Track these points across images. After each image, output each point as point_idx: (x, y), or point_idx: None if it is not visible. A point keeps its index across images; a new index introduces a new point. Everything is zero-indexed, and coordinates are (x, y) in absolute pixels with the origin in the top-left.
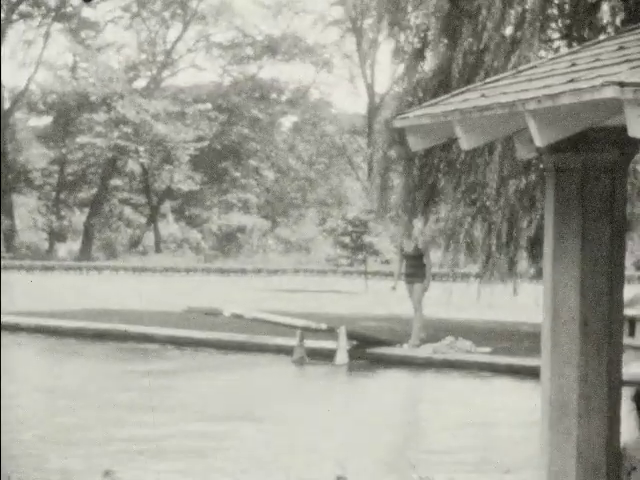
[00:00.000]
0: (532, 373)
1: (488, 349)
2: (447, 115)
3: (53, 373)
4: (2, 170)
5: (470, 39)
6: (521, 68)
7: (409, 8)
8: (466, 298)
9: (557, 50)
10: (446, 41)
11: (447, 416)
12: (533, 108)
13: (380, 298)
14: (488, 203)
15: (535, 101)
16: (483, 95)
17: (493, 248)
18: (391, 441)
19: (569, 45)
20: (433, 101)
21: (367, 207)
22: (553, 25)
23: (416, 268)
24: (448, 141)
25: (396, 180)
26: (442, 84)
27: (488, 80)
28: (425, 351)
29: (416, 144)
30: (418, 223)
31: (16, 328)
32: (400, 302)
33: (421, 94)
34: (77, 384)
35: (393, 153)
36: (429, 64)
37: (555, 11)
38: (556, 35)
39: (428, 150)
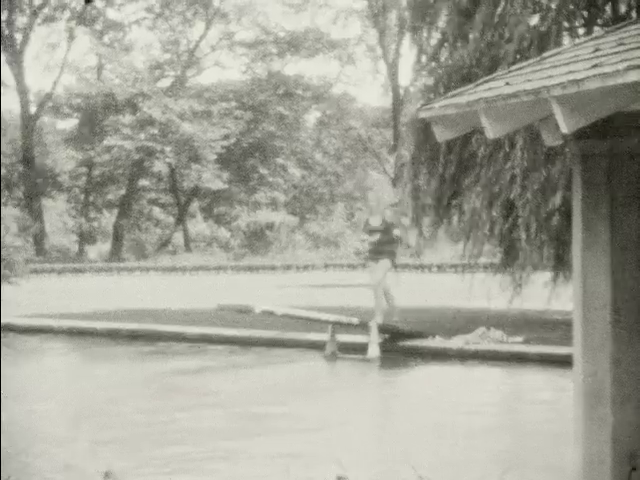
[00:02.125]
0: (565, 361)
1: (520, 338)
2: (472, 105)
3: (89, 374)
4: (31, 174)
5: (492, 31)
6: (545, 55)
7: (430, 6)
8: (493, 288)
9: (580, 37)
10: (466, 34)
11: (483, 411)
12: (558, 94)
13: (410, 290)
14: (512, 194)
15: (560, 87)
16: (507, 83)
17: (518, 238)
18: (427, 438)
19: (592, 32)
20: (457, 91)
21: (395, 200)
22: (576, 13)
23: (383, 245)
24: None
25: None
26: (465, 77)
27: (512, 68)
28: (457, 342)
29: (442, 135)
30: (384, 196)
31: (49, 330)
32: (431, 294)
33: (442, 90)
34: (113, 385)
35: (421, 156)
36: (451, 57)
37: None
38: (579, 23)
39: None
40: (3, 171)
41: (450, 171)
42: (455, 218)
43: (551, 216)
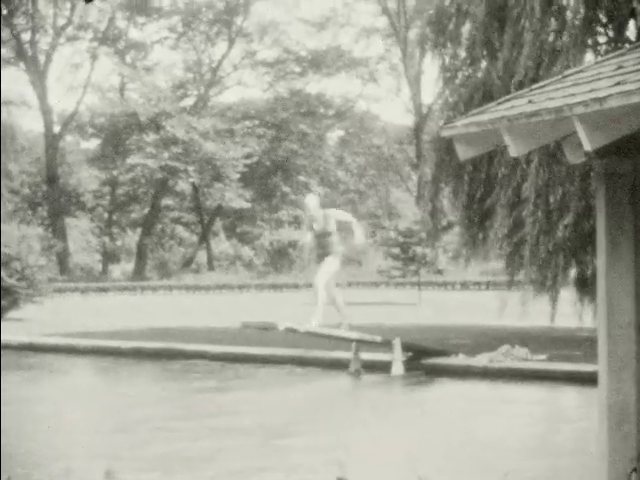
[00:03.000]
0: (590, 379)
1: (544, 356)
2: (494, 122)
3: (113, 393)
4: (54, 193)
5: (512, 49)
6: (567, 73)
7: (451, 23)
8: (518, 306)
9: (603, 54)
10: (488, 53)
11: (510, 430)
12: (581, 112)
13: (434, 308)
14: (539, 213)
15: (582, 105)
16: (530, 101)
17: (542, 256)
18: (456, 458)
19: (615, 49)
20: (480, 109)
21: (418, 218)
22: (598, 29)
23: (326, 248)
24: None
25: (446, 201)
26: (486, 95)
27: (534, 86)
28: (481, 360)
29: (464, 153)
30: (312, 200)
31: (72, 350)
32: (454, 312)
33: (463, 108)
34: (137, 404)
35: (443, 174)
36: (472, 75)
37: (600, 15)
38: (602, 39)
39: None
40: (27, 191)
41: (476, 190)
42: (481, 237)
43: (577, 233)
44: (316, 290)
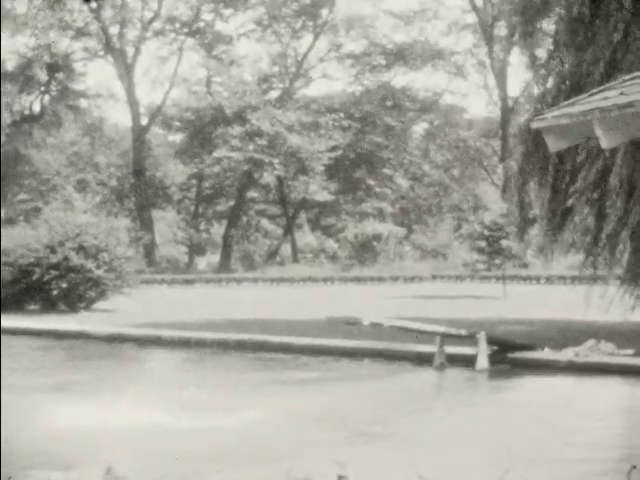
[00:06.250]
0: None
1: (631, 351)
2: (586, 114)
3: (202, 383)
4: (142, 186)
5: (600, 41)
6: None
7: (538, 16)
8: (603, 301)
9: None
10: (575, 45)
11: (601, 425)
12: None
13: (519, 302)
14: (622, 205)
15: None
16: (622, 93)
17: (627, 250)
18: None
19: None
20: (570, 101)
21: (503, 211)
22: None
23: None
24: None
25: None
26: (574, 88)
27: (626, 78)
28: (567, 354)
29: (554, 145)
30: None
31: (159, 341)
32: (539, 306)
33: (551, 100)
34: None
35: (529, 166)
36: (561, 67)
37: None
38: None
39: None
40: (114, 183)
41: (561, 182)
42: (568, 230)
43: None
44: None
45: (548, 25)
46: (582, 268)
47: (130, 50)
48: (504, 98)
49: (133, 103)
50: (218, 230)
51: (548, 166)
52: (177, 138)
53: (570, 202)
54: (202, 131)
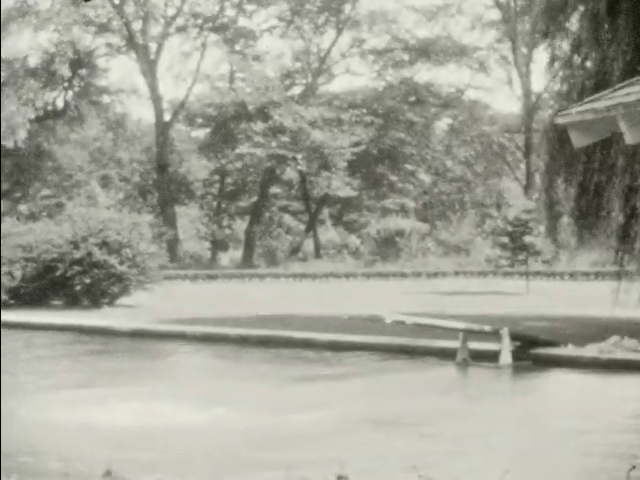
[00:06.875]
0: None
1: None
2: (611, 109)
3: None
4: (165, 181)
5: (624, 37)
6: None
7: (562, 13)
8: (628, 297)
9: None
10: (599, 41)
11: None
12: None
13: (542, 298)
14: None
15: None
16: None
17: None
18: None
19: None
20: (594, 96)
21: (527, 207)
22: None
23: None
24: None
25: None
26: (599, 84)
27: None
28: (590, 351)
29: (579, 141)
30: None
31: (182, 336)
32: (562, 302)
33: (575, 96)
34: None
35: (556, 164)
36: (585, 63)
37: None
38: None
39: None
40: (138, 178)
41: (590, 180)
42: (592, 228)
43: None
44: None
45: (571, 23)
46: (614, 264)
47: (153, 46)
48: (528, 94)
49: (156, 99)
50: (241, 226)
51: (576, 164)
52: (200, 134)
53: (598, 200)
54: (225, 127)
